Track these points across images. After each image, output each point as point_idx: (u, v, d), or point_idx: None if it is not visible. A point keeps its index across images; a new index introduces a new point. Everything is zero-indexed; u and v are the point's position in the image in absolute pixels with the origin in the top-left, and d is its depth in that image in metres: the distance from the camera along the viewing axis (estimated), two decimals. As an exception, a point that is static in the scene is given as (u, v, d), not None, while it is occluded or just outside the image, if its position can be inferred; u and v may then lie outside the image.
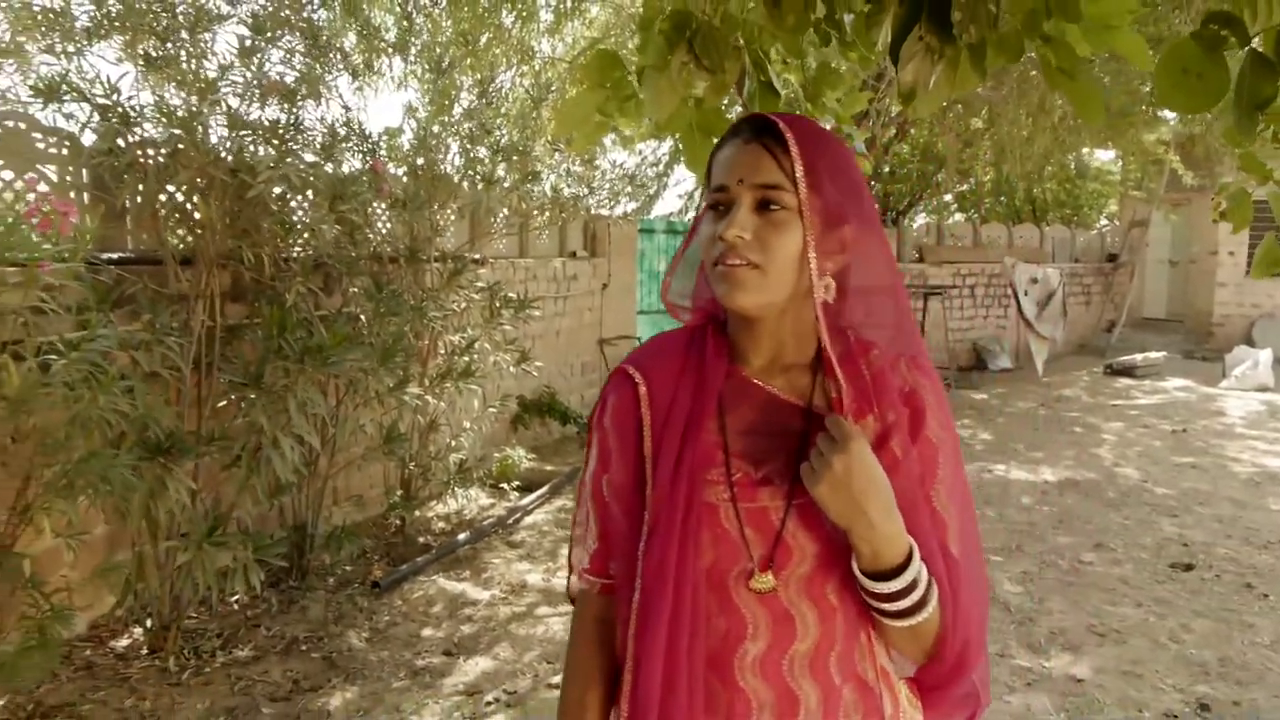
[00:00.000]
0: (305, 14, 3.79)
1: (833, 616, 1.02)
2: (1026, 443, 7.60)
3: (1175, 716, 3.19)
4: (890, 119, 9.43)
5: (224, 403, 3.58)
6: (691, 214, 6.64)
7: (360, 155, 4.27)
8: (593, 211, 6.48)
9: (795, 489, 1.01)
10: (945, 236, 12.52)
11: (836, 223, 1.03)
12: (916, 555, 0.98)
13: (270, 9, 3.59)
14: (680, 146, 1.96)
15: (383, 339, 3.94)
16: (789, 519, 1.02)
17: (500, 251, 6.41)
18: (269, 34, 3.51)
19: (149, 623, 3.43)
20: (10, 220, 2.53)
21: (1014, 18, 1.57)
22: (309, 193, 3.80)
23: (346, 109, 4.22)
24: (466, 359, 4.74)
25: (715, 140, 1.39)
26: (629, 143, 6.57)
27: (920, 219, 16.21)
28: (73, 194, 3.51)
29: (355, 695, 3.24)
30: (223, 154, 3.44)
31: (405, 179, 4.63)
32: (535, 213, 5.77)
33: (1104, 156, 16.48)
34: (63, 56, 3.13)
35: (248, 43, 3.45)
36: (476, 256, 5.21)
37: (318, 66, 3.79)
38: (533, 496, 5.65)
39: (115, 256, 3.40)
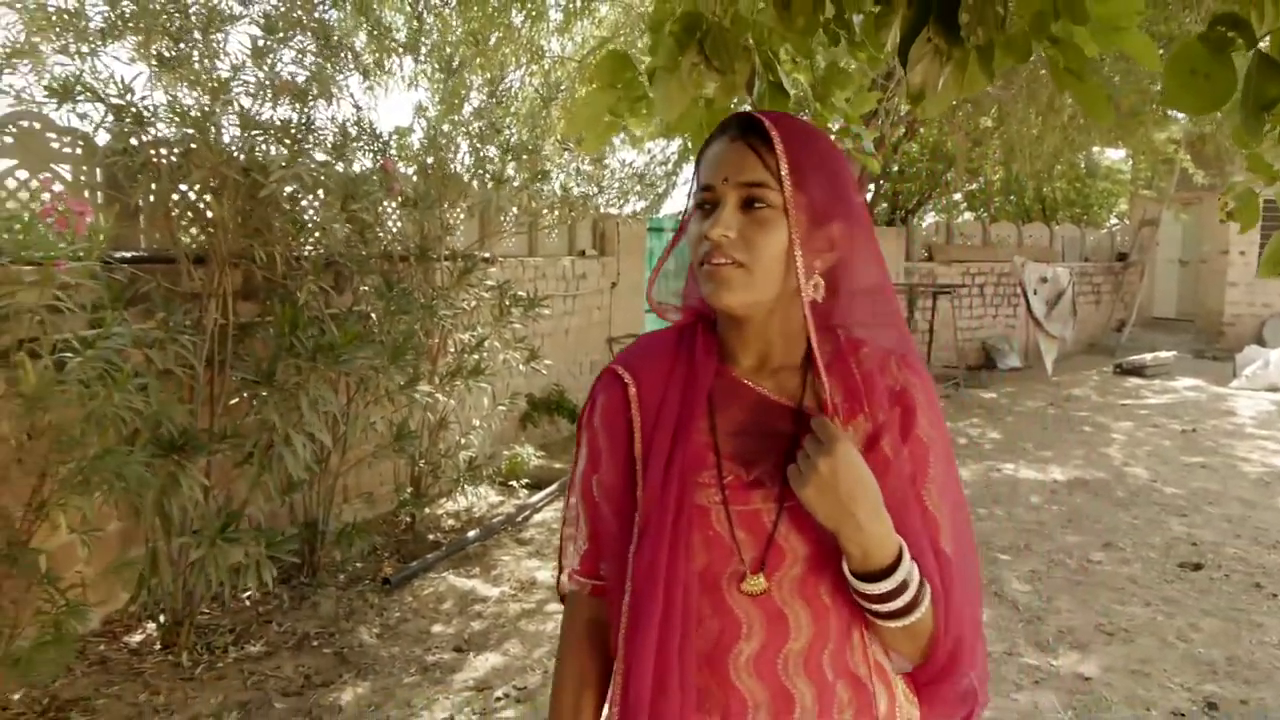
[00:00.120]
0: (317, 14, 3.81)
1: (826, 615, 1.02)
2: (1035, 442, 7.58)
3: (1183, 715, 3.19)
4: (899, 118, 9.37)
5: (236, 400, 3.61)
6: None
7: (371, 154, 4.28)
8: (602, 210, 6.49)
9: (786, 491, 1.00)
10: (954, 235, 12.51)
11: (823, 221, 1.02)
12: (906, 556, 0.98)
13: (282, 9, 3.62)
14: (690, 146, 1.98)
15: (393, 337, 3.96)
16: (781, 521, 1.01)
17: (510, 250, 6.43)
18: (281, 34, 3.54)
19: (162, 618, 3.46)
20: (26, 219, 2.55)
21: (1022, 19, 1.58)
22: (320, 192, 3.82)
23: (357, 108, 4.22)
24: (476, 357, 4.76)
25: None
26: (638, 142, 6.59)
27: (929, 218, 16.21)
28: (87, 193, 3.55)
29: (366, 690, 3.27)
30: (235, 153, 3.47)
31: (415, 178, 4.64)
32: (545, 211, 5.78)
33: (1114, 155, 16.44)
34: (77, 57, 3.15)
35: (260, 43, 3.48)
36: (486, 255, 5.23)
37: (329, 66, 3.80)
38: (542, 494, 5.67)
39: (129, 255, 3.43)
